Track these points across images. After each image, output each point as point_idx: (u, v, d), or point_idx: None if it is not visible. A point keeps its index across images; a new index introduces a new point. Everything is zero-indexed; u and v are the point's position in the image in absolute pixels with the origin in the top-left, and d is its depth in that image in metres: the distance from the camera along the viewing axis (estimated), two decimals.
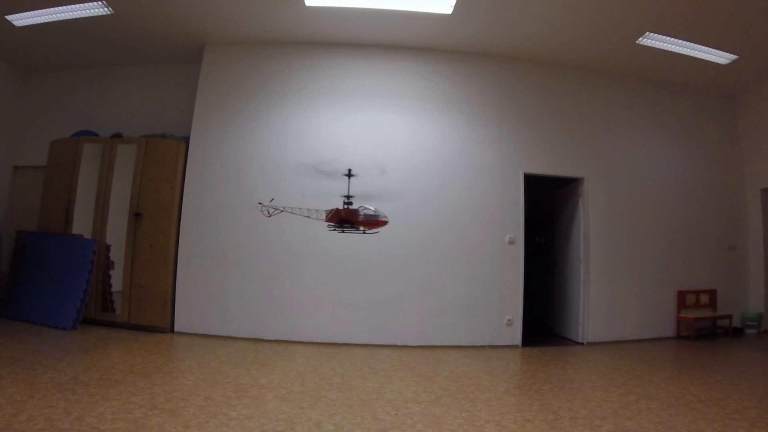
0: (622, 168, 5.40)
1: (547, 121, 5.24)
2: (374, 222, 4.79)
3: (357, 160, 4.88)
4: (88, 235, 4.83)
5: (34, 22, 4.69)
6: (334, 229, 4.76)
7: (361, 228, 4.80)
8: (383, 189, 4.90)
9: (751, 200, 5.86)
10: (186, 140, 4.98)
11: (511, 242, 4.91)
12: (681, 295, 5.41)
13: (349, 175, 4.86)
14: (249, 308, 4.72)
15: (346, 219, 4.77)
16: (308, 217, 4.76)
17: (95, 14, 4.55)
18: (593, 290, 5.09)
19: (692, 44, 4.77)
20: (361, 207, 4.81)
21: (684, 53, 4.92)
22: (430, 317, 4.75)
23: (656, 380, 3.46)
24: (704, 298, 5.50)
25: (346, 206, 4.81)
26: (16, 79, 5.90)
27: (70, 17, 4.59)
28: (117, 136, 5.07)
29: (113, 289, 4.81)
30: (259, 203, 4.82)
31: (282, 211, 4.76)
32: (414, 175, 4.91)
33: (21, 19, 4.64)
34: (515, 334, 4.82)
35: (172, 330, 4.71)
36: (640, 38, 4.69)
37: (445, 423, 2.47)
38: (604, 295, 5.13)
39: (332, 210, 4.78)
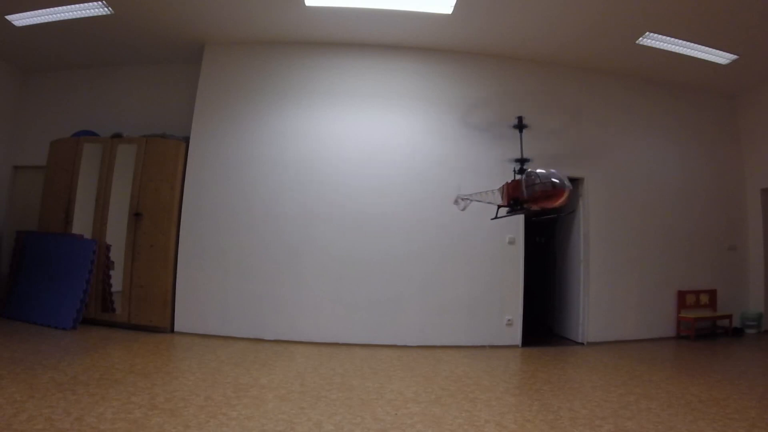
0: (622, 168, 5.39)
1: (547, 120, 5.24)
2: (550, 194, 2.83)
3: (355, 157, 4.88)
4: (88, 235, 4.83)
5: (34, 22, 4.69)
6: (509, 213, 3.09)
7: (532, 207, 3.09)
8: None
9: (751, 200, 5.85)
10: (186, 140, 4.98)
11: (511, 242, 4.91)
12: (681, 295, 5.40)
13: (520, 126, 3.19)
14: (249, 308, 4.71)
15: (513, 196, 3.03)
16: (490, 203, 3.23)
17: (95, 14, 4.55)
18: (593, 290, 5.09)
19: (692, 44, 4.77)
20: (530, 173, 2.95)
21: (684, 53, 4.92)
22: (430, 317, 4.75)
23: (656, 380, 3.46)
24: (704, 298, 5.50)
25: (517, 176, 3.05)
26: (16, 79, 5.90)
27: (70, 17, 4.59)
28: (117, 136, 5.07)
29: (113, 289, 4.81)
30: (459, 196, 3.56)
31: (471, 200, 3.42)
32: (414, 175, 4.91)
33: (21, 19, 4.64)
34: (515, 334, 4.82)
35: (172, 330, 4.70)
36: (640, 38, 4.68)
37: (445, 423, 2.47)
38: (604, 295, 5.12)
39: (503, 187, 3.13)
